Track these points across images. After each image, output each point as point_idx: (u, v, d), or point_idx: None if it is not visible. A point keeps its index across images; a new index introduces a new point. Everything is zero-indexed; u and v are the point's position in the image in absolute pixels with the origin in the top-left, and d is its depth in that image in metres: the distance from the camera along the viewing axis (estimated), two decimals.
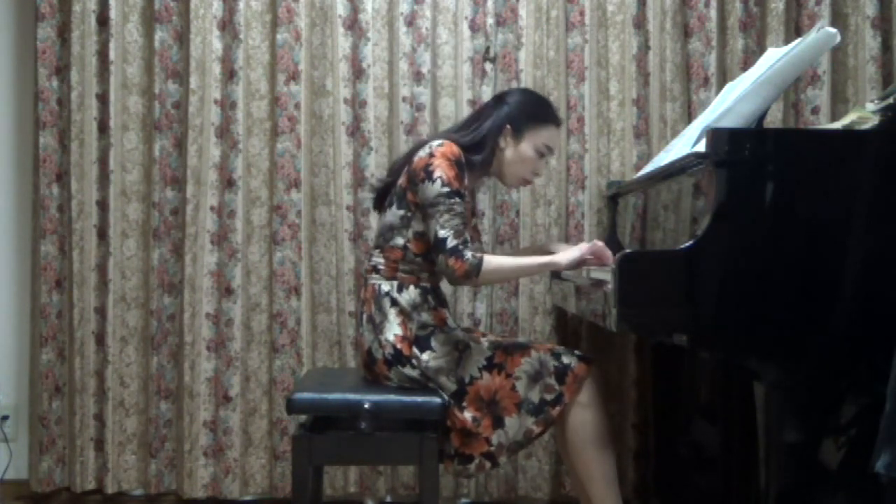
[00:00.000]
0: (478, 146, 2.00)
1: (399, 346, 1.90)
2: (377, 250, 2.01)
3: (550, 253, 2.03)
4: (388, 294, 1.94)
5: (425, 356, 1.90)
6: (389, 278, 1.96)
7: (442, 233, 1.85)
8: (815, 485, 1.53)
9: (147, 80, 2.62)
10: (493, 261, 1.87)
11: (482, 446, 1.87)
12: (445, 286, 2.05)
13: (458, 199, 1.87)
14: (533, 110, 2.06)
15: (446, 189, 1.87)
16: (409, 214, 1.94)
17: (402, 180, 1.97)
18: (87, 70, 2.57)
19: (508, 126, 2.02)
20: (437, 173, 1.88)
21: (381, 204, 2.06)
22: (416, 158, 1.94)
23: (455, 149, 1.92)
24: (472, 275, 1.84)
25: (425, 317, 1.94)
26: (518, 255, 2.13)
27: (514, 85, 2.53)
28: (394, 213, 1.97)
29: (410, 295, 1.94)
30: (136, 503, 2.64)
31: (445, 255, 1.84)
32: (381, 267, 1.98)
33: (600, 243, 1.88)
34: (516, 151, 2.04)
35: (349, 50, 2.58)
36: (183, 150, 2.59)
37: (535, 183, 2.53)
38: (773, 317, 1.48)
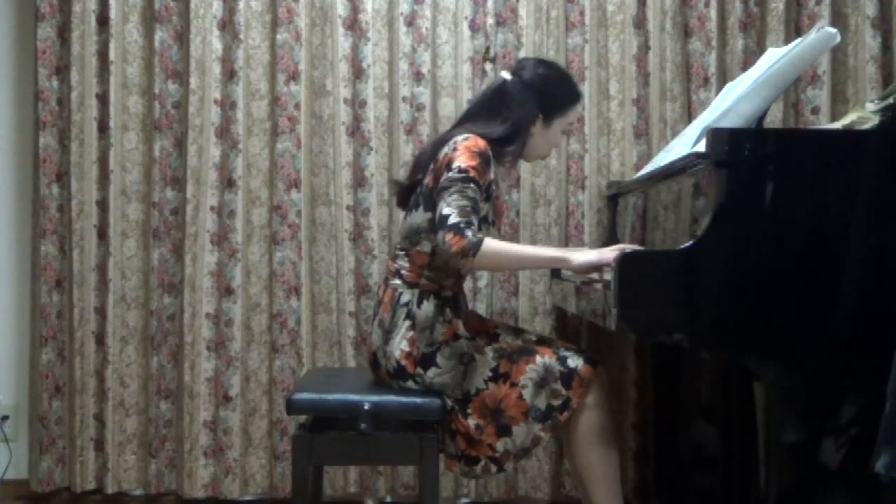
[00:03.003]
0: (510, 138, 1.92)
1: (403, 362, 1.88)
2: (402, 252, 1.95)
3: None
4: (405, 305, 1.90)
5: (430, 373, 1.87)
6: (412, 286, 1.91)
7: (446, 210, 1.77)
8: (815, 485, 1.53)
9: (147, 80, 2.62)
10: (493, 244, 1.78)
11: (486, 451, 1.86)
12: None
13: (472, 185, 1.80)
14: (562, 95, 1.98)
15: (462, 174, 1.80)
16: (434, 217, 1.86)
17: (428, 179, 1.90)
18: (87, 70, 2.57)
19: (540, 115, 1.95)
20: (455, 163, 1.82)
21: (405, 202, 1.98)
22: (440, 156, 1.87)
23: (480, 142, 1.85)
24: (469, 254, 1.74)
25: (438, 330, 1.89)
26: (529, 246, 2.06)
27: None
28: (420, 216, 1.90)
29: (429, 308, 1.89)
30: (136, 503, 2.64)
31: (444, 230, 1.76)
32: (404, 272, 1.92)
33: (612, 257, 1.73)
34: (545, 136, 1.98)
35: (349, 50, 2.58)
36: (183, 150, 2.59)
37: (534, 183, 2.55)
38: (773, 317, 1.48)
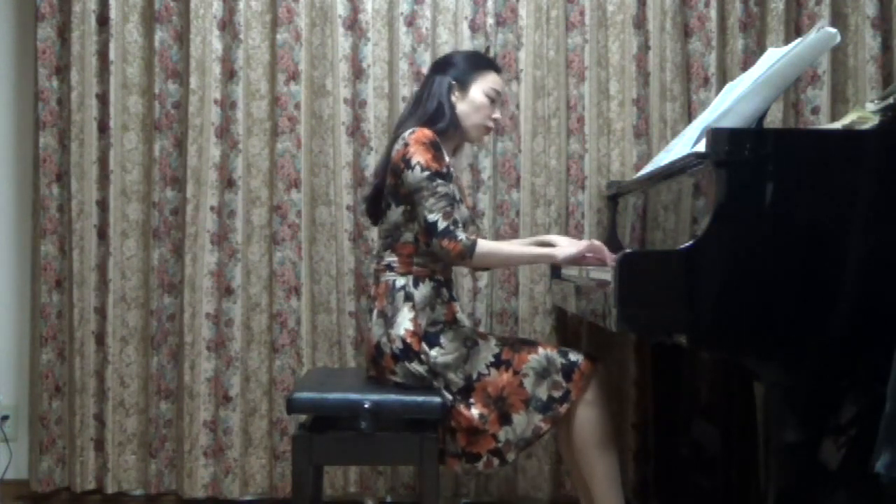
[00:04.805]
0: (436, 114, 2.03)
1: (409, 340, 1.91)
2: (388, 250, 2.01)
3: (550, 246, 2.01)
4: (402, 288, 1.95)
5: (434, 352, 1.90)
6: (404, 274, 1.97)
7: (431, 217, 1.88)
8: (815, 485, 1.53)
9: (147, 80, 2.62)
10: (486, 244, 1.91)
11: (489, 443, 1.88)
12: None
13: (440, 181, 1.90)
14: (471, 62, 2.11)
15: (426, 173, 1.90)
16: (409, 208, 1.96)
17: (389, 179, 1.98)
18: (87, 70, 2.57)
19: (454, 82, 2.06)
20: (414, 160, 1.91)
21: (375, 213, 2.08)
22: (393, 154, 1.97)
23: (426, 132, 1.95)
24: (467, 256, 1.87)
25: (439, 311, 1.96)
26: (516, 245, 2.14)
27: (514, 85, 2.53)
28: (395, 212, 1.98)
29: (425, 289, 1.95)
30: (136, 503, 2.64)
31: (438, 237, 1.87)
32: (395, 265, 1.98)
33: (598, 243, 1.92)
34: (468, 101, 2.07)
35: (349, 50, 2.58)
36: (183, 150, 2.59)
37: (534, 183, 2.56)
38: (773, 317, 1.48)
